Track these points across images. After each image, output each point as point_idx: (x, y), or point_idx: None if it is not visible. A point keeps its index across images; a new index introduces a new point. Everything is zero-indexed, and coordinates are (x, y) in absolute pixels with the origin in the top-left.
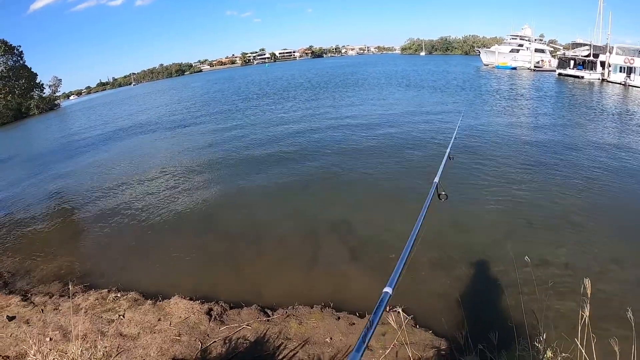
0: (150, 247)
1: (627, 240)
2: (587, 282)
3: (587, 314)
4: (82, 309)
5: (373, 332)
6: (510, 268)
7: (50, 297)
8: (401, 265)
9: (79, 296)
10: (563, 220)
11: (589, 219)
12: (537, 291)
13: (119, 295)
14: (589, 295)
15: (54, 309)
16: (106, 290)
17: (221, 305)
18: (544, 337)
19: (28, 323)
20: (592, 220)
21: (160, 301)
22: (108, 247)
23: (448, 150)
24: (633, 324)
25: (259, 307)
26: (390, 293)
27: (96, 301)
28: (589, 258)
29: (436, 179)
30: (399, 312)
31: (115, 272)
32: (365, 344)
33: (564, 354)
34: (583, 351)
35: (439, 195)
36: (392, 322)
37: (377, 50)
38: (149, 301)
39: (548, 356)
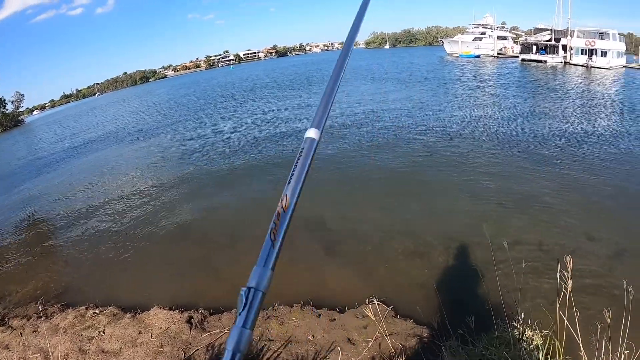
0: (125, 259)
1: (597, 216)
2: (569, 259)
3: (569, 288)
4: (61, 328)
5: (289, 222)
6: (485, 251)
7: (28, 320)
8: (331, 99)
9: (57, 316)
10: (534, 202)
11: (559, 199)
12: (513, 272)
13: (97, 311)
14: (569, 272)
15: (33, 331)
16: (84, 307)
17: (201, 312)
18: (522, 316)
19: (8, 348)
20: (562, 199)
21: (139, 313)
22: (83, 263)
23: None
24: (631, 297)
25: None
26: (317, 139)
27: (75, 319)
28: (562, 236)
29: None
30: (378, 303)
31: (92, 288)
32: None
33: (543, 331)
34: (568, 324)
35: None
36: (370, 315)
37: (341, 46)
38: (128, 315)
39: (527, 334)
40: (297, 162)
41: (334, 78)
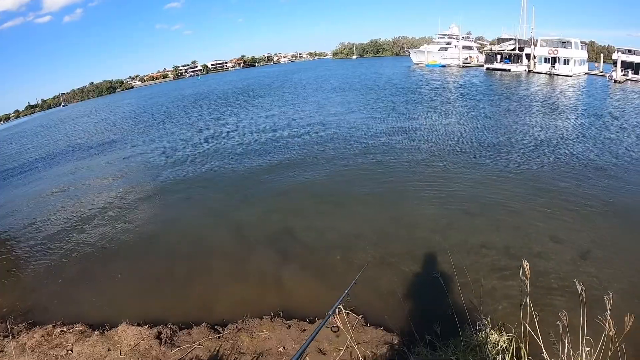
0: (92, 275)
1: (561, 219)
2: (526, 264)
3: (528, 292)
4: (28, 347)
5: None
6: (451, 257)
7: None
8: None
9: (23, 334)
10: (500, 207)
11: (524, 204)
12: (481, 276)
13: (64, 329)
14: (528, 277)
15: (0, 351)
16: (51, 325)
17: (170, 327)
18: (488, 320)
19: None
20: (527, 204)
21: (107, 330)
22: (49, 280)
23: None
24: (584, 296)
25: (208, 325)
26: None
27: (42, 338)
28: (528, 239)
29: (330, 311)
30: (347, 313)
31: (59, 305)
32: None
33: (508, 334)
34: (529, 327)
35: (331, 327)
36: (339, 324)
37: (309, 56)
38: (96, 332)
39: (493, 338)
40: None
41: None
